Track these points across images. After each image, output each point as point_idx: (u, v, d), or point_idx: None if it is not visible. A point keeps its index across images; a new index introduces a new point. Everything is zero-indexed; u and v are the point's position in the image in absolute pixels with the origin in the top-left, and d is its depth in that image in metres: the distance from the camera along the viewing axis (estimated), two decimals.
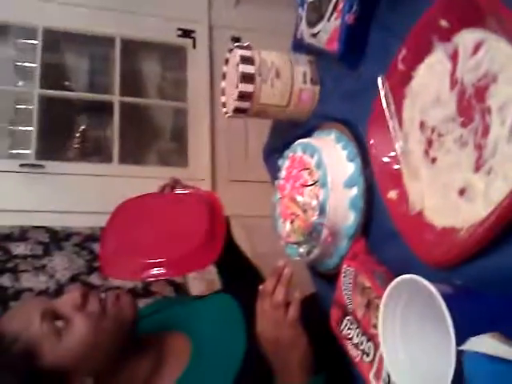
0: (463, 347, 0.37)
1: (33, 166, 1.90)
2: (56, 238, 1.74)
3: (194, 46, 2.38)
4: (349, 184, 0.77)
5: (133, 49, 2.37)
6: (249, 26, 2.37)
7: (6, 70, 2.25)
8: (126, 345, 0.84)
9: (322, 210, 0.76)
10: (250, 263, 1.20)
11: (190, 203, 1.13)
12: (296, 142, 0.91)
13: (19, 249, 1.67)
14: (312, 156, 0.80)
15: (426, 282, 0.45)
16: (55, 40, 2.25)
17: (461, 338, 0.39)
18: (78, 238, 1.75)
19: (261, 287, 0.81)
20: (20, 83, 2.25)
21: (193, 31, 2.38)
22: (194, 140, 2.24)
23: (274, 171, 1.19)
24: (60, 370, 0.76)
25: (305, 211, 0.79)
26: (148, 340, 0.90)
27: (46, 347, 0.76)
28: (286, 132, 1.10)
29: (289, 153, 0.91)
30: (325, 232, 0.76)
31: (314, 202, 0.77)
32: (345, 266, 0.70)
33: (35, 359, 0.75)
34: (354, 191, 0.76)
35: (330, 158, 0.77)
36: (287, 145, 1.05)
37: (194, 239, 1.00)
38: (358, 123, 0.82)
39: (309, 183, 0.79)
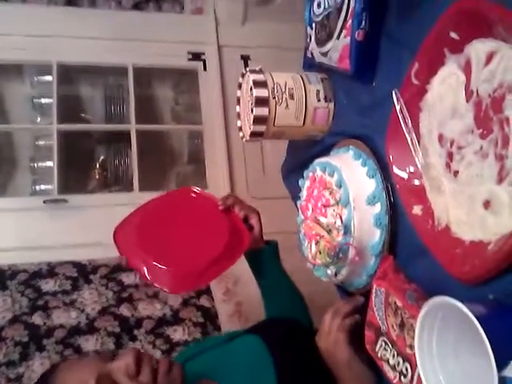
0: (505, 373, 0.37)
1: (56, 201, 1.93)
2: (84, 272, 1.76)
3: (205, 68, 2.40)
4: (371, 201, 0.76)
5: (145, 76, 2.40)
6: (257, 43, 2.39)
7: (24, 108, 2.30)
8: None
9: (346, 230, 0.76)
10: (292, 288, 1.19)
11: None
12: (315, 162, 0.90)
13: (48, 285, 1.70)
14: (332, 175, 0.80)
15: (459, 304, 0.44)
16: (69, 73, 2.29)
17: (501, 361, 0.38)
18: (105, 270, 1.77)
19: (336, 306, 0.84)
20: (38, 119, 2.30)
21: (202, 53, 2.40)
22: (211, 161, 2.25)
23: (293, 190, 1.19)
24: None
25: (329, 232, 0.78)
26: None
27: None
28: (304, 150, 1.10)
29: (308, 173, 0.91)
30: (351, 251, 0.75)
31: (338, 222, 0.77)
32: (375, 286, 0.70)
33: None
34: (378, 208, 0.76)
35: (351, 175, 0.77)
36: (305, 163, 1.05)
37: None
38: (375, 138, 0.82)
39: (331, 203, 0.79)
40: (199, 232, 1.04)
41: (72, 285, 1.71)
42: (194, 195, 1.14)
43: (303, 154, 1.10)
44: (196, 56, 2.39)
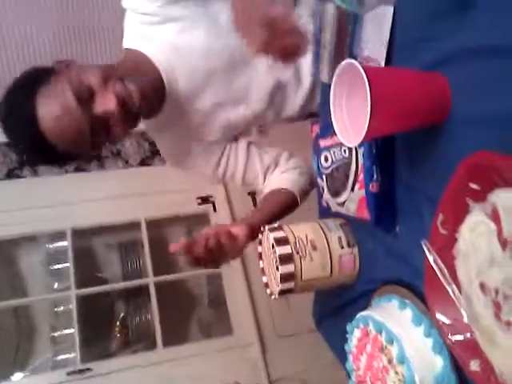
0: None
1: (80, 371, 1.86)
2: None
3: (215, 210, 2.45)
4: (441, 383, 0.70)
5: (158, 225, 2.44)
6: None
7: (41, 275, 2.31)
8: None
9: None
10: None
11: None
12: (365, 315, 0.83)
13: None
14: (391, 343, 0.74)
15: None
16: (83, 235, 2.33)
17: None
18: None
19: None
20: (56, 285, 2.29)
21: (211, 196, 2.47)
22: (233, 303, 2.20)
23: (329, 337, 1.14)
24: None
25: None
26: None
27: None
28: (335, 297, 1.07)
29: (358, 323, 0.84)
30: None
31: None
32: None
33: None
34: None
35: (414, 350, 0.71)
36: (339, 310, 1.02)
37: None
38: (414, 283, 0.79)
39: (392, 383, 0.73)
40: None
41: None
42: None
43: (335, 300, 1.08)
44: (205, 199, 2.45)
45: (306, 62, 1.16)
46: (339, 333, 0.93)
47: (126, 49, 1.13)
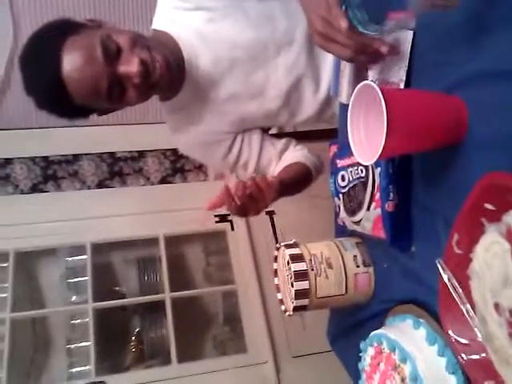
0: None
1: None
2: None
3: (232, 228, 2.46)
4: None
5: (176, 242, 2.46)
6: None
7: (59, 288, 2.33)
8: None
9: None
10: None
11: None
12: (379, 333, 0.83)
13: None
14: (404, 361, 0.74)
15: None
16: (102, 249, 2.36)
17: None
18: None
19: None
20: (73, 298, 2.32)
21: (228, 214, 2.48)
22: (248, 321, 2.20)
23: (343, 356, 1.14)
24: None
25: None
26: None
27: None
28: (350, 315, 1.07)
29: (373, 341, 0.85)
30: None
31: None
32: None
33: None
34: None
35: (427, 369, 0.71)
36: (353, 329, 1.02)
37: None
38: (428, 302, 0.79)
39: None
40: None
41: None
42: None
43: (349, 319, 1.08)
44: (223, 217, 2.46)
45: (325, 67, 1.19)
46: (353, 351, 0.93)
47: (153, 29, 1.18)
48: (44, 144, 2.38)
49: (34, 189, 2.36)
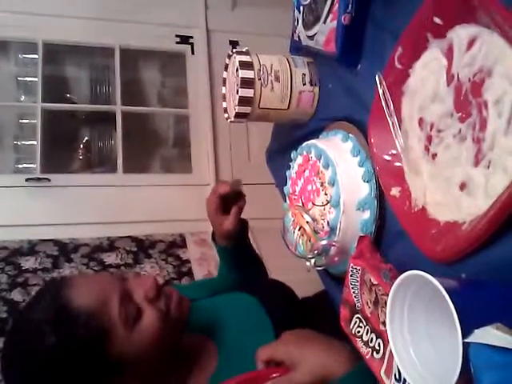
0: (468, 339, 0.38)
1: (38, 179, 1.91)
2: (64, 251, 1.76)
3: (193, 52, 2.39)
4: (362, 207, 0.76)
5: (132, 57, 2.38)
6: (246, 28, 2.38)
7: (9, 86, 2.27)
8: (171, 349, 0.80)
9: (332, 231, 0.76)
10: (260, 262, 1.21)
11: None
12: (310, 143, 0.87)
13: (29, 263, 1.69)
14: (326, 168, 0.79)
15: (429, 277, 0.45)
16: (55, 53, 2.27)
17: (467, 331, 0.39)
18: (87, 249, 1.77)
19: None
20: (23, 98, 2.27)
21: (191, 37, 2.39)
22: (196, 145, 2.25)
23: (276, 173, 1.20)
24: (118, 363, 0.72)
25: (314, 230, 0.78)
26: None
27: (117, 333, 0.71)
28: (289, 134, 1.11)
29: (302, 151, 0.89)
30: (333, 250, 0.76)
31: (324, 222, 0.78)
32: (351, 264, 0.71)
33: (104, 343, 0.70)
34: (367, 215, 0.76)
35: (345, 175, 0.76)
36: (289, 147, 1.06)
37: None
38: (361, 120, 0.83)
39: (321, 199, 0.79)
40: None
41: (53, 263, 1.70)
42: None
43: (287, 137, 1.11)
44: (184, 39, 2.38)
45: None
46: (285, 166, 0.98)
47: None
48: None
49: None
